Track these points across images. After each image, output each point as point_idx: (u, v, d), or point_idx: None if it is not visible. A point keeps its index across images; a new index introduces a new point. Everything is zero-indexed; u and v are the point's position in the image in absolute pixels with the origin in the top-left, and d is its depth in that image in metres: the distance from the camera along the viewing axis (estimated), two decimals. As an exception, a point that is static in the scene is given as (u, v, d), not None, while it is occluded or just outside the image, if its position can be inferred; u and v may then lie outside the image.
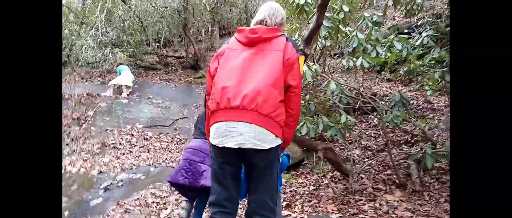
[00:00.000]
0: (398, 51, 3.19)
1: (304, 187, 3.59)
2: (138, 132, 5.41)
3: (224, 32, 11.86)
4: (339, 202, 2.99)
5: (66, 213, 3.45)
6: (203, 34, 11.20)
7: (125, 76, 6.87)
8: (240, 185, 1.54)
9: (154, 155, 4.67)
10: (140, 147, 4.91)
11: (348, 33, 3.20)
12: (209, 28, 11.18)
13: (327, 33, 3.05)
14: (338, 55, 6.48)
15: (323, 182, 3.63)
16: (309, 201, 3.13)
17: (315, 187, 3.52)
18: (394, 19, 7.18)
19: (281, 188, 2.03)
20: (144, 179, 4.02)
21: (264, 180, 1.42)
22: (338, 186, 3.40)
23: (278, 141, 1.39)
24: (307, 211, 2.90)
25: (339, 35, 3.11)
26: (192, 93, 7.96)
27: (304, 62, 2.44)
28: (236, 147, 1.33)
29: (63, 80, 8.05)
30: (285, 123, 1.41)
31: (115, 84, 6.85)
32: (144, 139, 5.23)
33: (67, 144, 4.87)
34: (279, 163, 1.49)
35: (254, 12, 11.87)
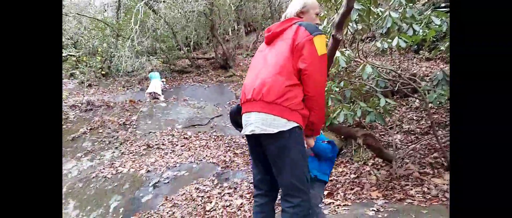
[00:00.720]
0: (437, 26, 2.99)
1: (344, 175, 3.54)
2: (178, 132, 5.71)
3: (249, 29, 11.98)
4: (384, 188, 2.91)
5: (121, 210, 3.78)
6: (230, 34, 11.41)
7: (153, 85, 7.59)
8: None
9: (194, 153, 4.90)
10: (181, 146, 5.18)
11: (380, 14, 3.06)
12: (235, 27, 11.34)
13: (358, 17, 2.95)
14: (369, 38, 6.23)
15: (364, 169, 3.54)
16: (351, 189, 3.08)
17: (356, 175, 3.45)
18: (429, -6, 6.69)
19: (328, 178, 2.01)
20: (187, 175, 4.25)
21: (283, 163, 1.44)
22: (381, 173, 3.30)
23: (292, 124, 1.41)
24: (350, 199, 2.86)
25: (371, 17, 3.00)
26: (224, 92, 8.19)
27: (336, 48, 2.40)
28: (250, 133, 1.48)
29: (106, 90, 8.76)
30: (307, 106, 1.47)
31: (148, 93, 7.58)
32: (184, 138, 5.51)
33: (116, 147, 5.30)
34: (300, 145, 1.47)
35: (278, 5, 11.81)
